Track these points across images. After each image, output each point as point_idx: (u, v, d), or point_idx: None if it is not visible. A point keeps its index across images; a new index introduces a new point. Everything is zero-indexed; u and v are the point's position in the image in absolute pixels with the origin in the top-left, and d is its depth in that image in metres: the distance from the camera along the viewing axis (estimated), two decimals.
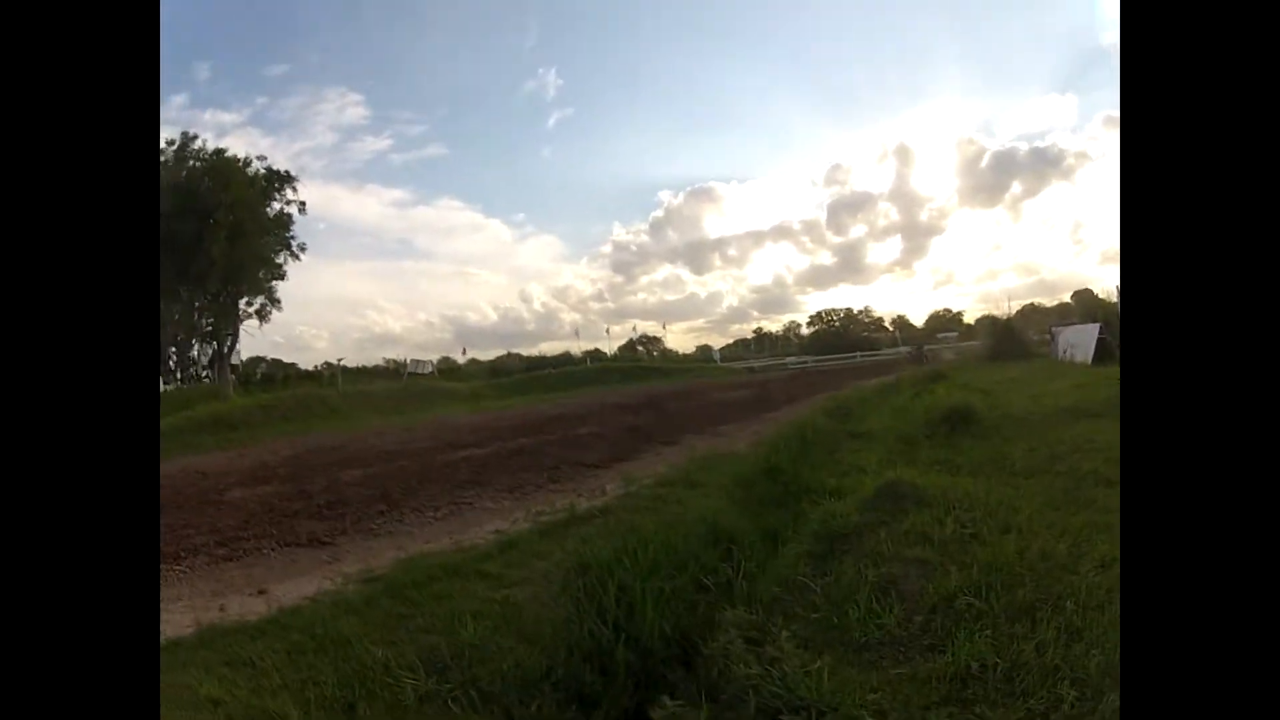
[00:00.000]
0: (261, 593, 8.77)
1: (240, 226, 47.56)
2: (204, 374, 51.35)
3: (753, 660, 5.23)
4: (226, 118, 65.69)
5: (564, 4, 71.06)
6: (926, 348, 64.78)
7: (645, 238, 75.56)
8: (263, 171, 50.53)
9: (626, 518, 10.04)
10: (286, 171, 51.44)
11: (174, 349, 51.97)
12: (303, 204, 51.38)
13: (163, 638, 7.06)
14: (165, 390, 43.52)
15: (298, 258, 51.15)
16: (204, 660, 6.34)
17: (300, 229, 51.93)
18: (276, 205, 51.00)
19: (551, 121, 74.82)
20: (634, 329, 65.29)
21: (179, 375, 50.84)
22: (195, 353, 52.64)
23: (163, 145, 48.66)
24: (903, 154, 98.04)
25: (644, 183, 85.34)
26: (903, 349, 64.86)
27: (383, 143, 63.25)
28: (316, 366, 53.46)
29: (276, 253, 50.95)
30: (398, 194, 66.71)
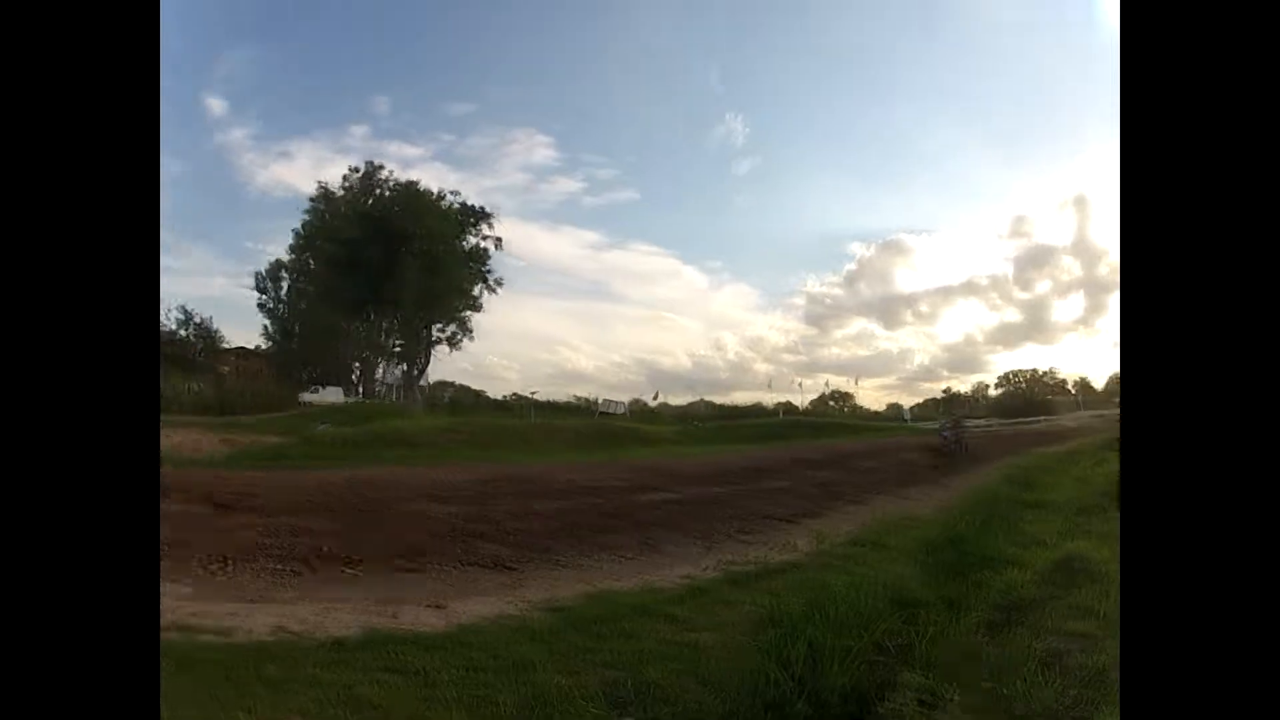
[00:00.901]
0: (439, 607, 9.11)
1: (435, 257, 49.30)
2: (384, 391, 53.16)
3: None
4: (411, 151, 68.65)
5: (747, 50, 71.29)
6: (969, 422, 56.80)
7: (838, 290, 74.56)
8: (456, 206, 52.22)
9: (816, 575, 10.35)
10: (482, 207, 52.79)
11: (358, 365, 54.14)
12: (499, 240, 52.50)
13: (325, 634, 7.82)
14: (346, 403, 45.78)
15: (494, 291, 52.19)
16: (364, 662, 6.81)
17: (497, 263, 53.02)
18: (472, 239, 52.35)
19: (743, 169, 74.92)
20: (825, 383, 64.57)
21: (360, 390, 52.71)
22: (380, 372, 54.65)
23: (346, 171, 51.66)
24: (1080, 204, 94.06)
25: (834, 233, 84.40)
26: (1083, 413, 60.65)
27: (575, 185, 64.56)
28: (505, 396, 54.59)
29: (472, 284, 51.98)
30: (592, 236, 67.85)
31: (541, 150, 66.34)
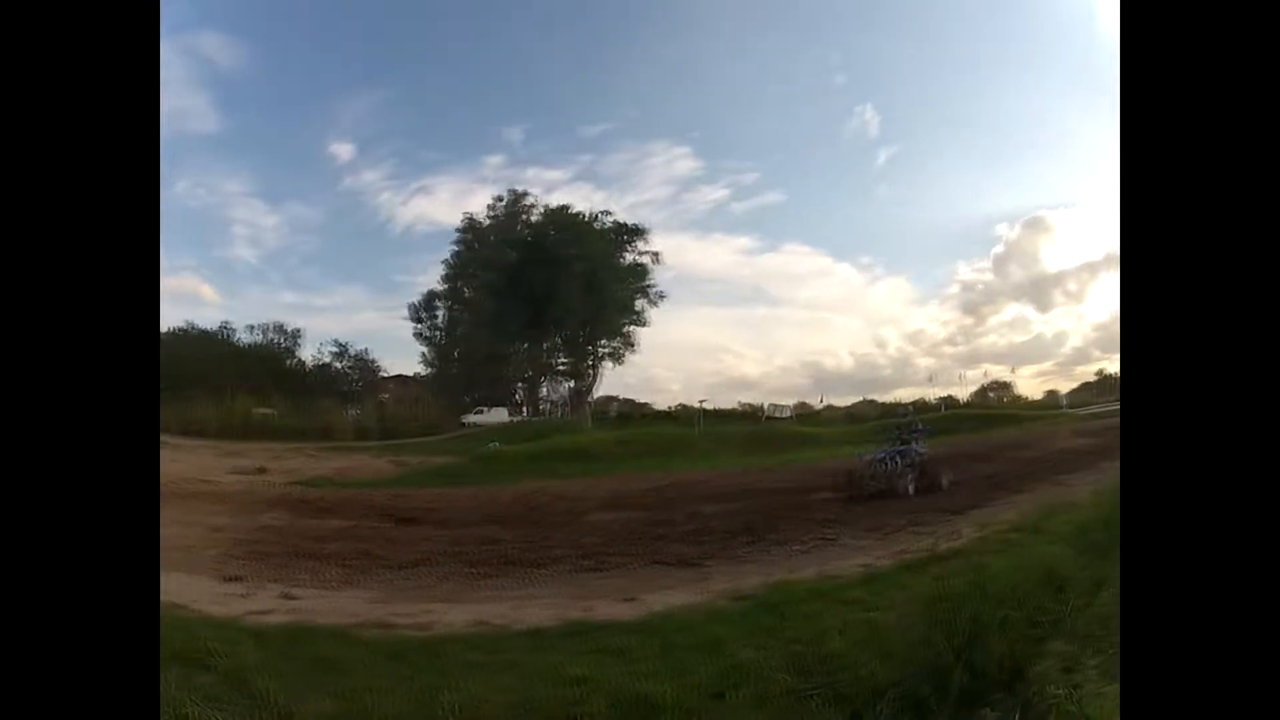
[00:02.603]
0: (630, 600, 9.89)
1: (595, 276, 50.65)
2: (548, 408, 54.26)
3: (1062, 684, 5.98)
4: (551, 175, 69.82)
5: (866, 38, 69.81)
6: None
7: (989, 275, 72.14)
8: (610, 225, 53.60)
9: (979, 559, 10.86)
10: (635, 225, 54.07)
11: (522, 384, 55.45)
12: (656, 254, 53.62)
13: (524, 625, 8.63)
14: (512, 422, 47.69)
15: (656, 305, 53.23)
16: (569, 647, 7.56)
17: (653, 276, 53.87)
18: (629, 256, 53.55)
19: (881, 159, 73.40)
20: (985, 374, 62.93)
21: (524, 408, 53.92)
22: (545, 390, 55.85)
23: (490, 201, 53.30)
24: None
25: (977, 215, 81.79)
26: None
27: (720, 192, 64.46)
28: (671, 407, 55.09)
29: (634, 300, 52.97)
30: (744, 241, 67.69)
31: (681, 161, 66.67)
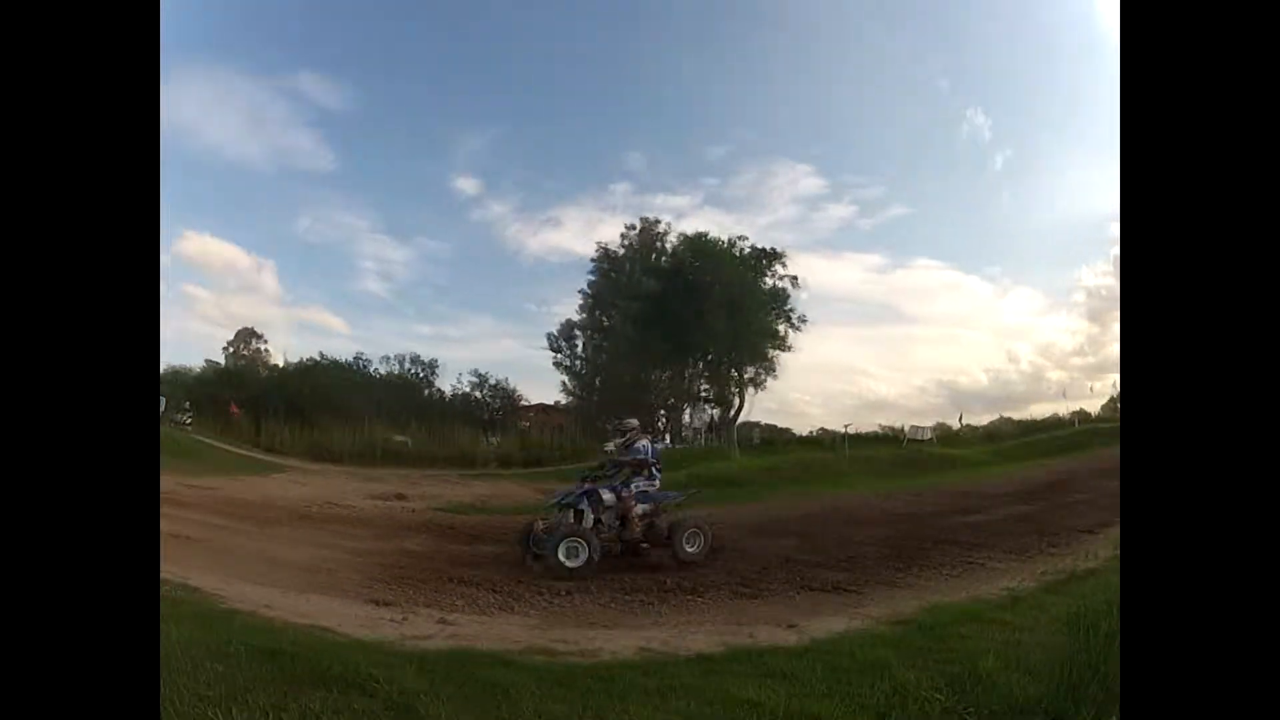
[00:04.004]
0: (791, 626, 10.10)
1: (736, 302, 51.32)
2: (691, 435, 54.46)
3: None
4: (677, 201, 70.27)
5: (965, 41, 68.36)
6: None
7: (1110, 280, 70.19)
8: (747, 250, 54.24)
9: (1113, 578, 10.41)
10: (773, 248, 54.60)
11: (663, 411, 55.85)
12: (795, 278, 54.12)
13: (689, 651, 8.79)
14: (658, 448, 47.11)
15: (797, 329, 53.80)
16: (737, 672, 7.75)
17: (793, 300, 54.53)
18: (769, 280, 54.09)
19: (998, 164, 72.06)
20: (1114, 385, 61.42)
21: (668, 437, 54.27)
22: (687, 417, 56.18)
23: (623, 230, 54.00)
24: None
25: (1092, 216, 79.79)
26: None
27: (846, 210, 64.31)
28: (812, 431, 55.00)
29: (776, 324, 53.67)
30: (873, 259, 67.28)
31: (805, 180, 66.70)
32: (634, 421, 18.31)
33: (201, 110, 56.33)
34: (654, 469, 16.14)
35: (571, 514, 15.06)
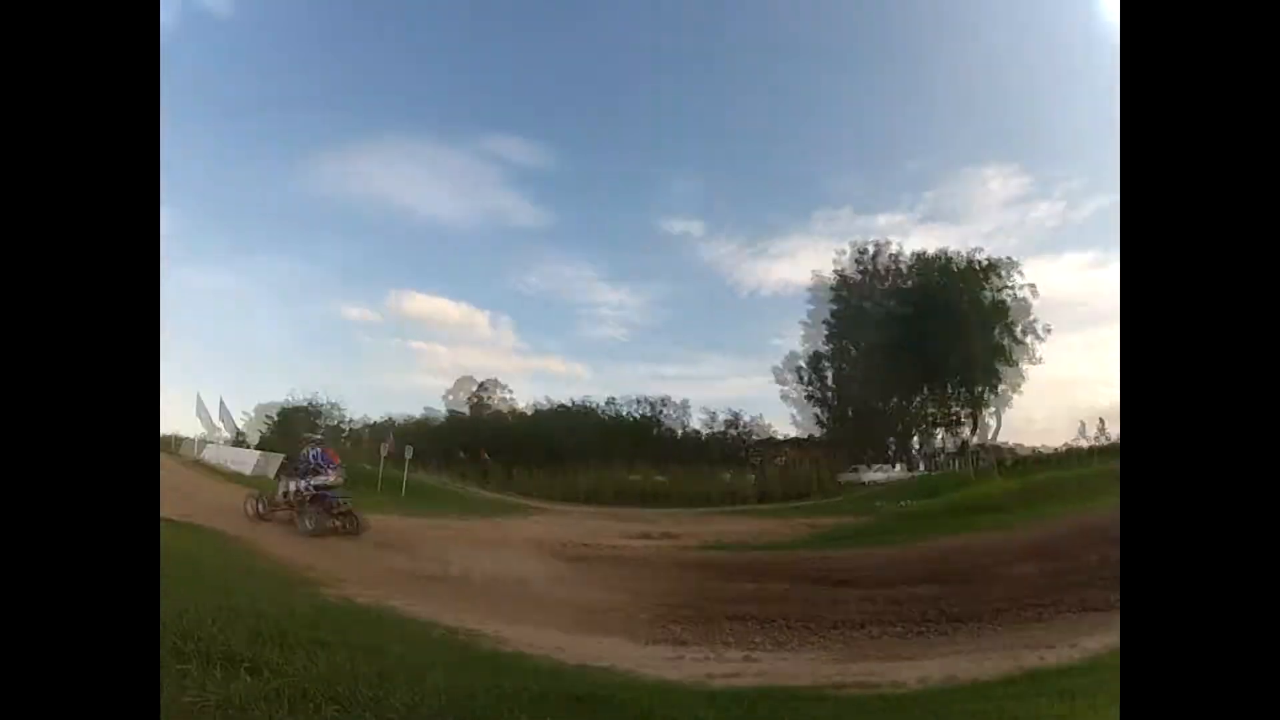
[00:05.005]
0: (1073, 645, 10.54)
1: (982, 319, 50.77)
2: (941, 459, 53.77)
3: None
4: (894, 219, 68.51)
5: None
6: None
7: None
8: (984, 263, 52.85)
9: None
10: (1009, 258, 52.88)
11: (915, 437, 55.37)
12: (1033, 286, 52.15)
13: (991, 675, 9.32)
14: (911, 476, 48.27)
15: (1042, 340, 51.90)
16: (1035, 690, 8.28)
17: (1035, 310, 52.60)
18: (1007, 293, 52.57)
19: None
20: None
21: (920, 462, 53.76)
22: (940, 441, 55.47)
23: (853, 254, 54.25)
24: None
25: None
26: None
27: (1056, 205, 61.47)
28: (1058, 448, 53.41)
29: (1024, 338, 52.29)
30: (1090, 256, 64.04)
31: (1014, 180, 64.29)
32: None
33: (414, 183, 59.48)
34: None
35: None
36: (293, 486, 22.34)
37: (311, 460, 22.66)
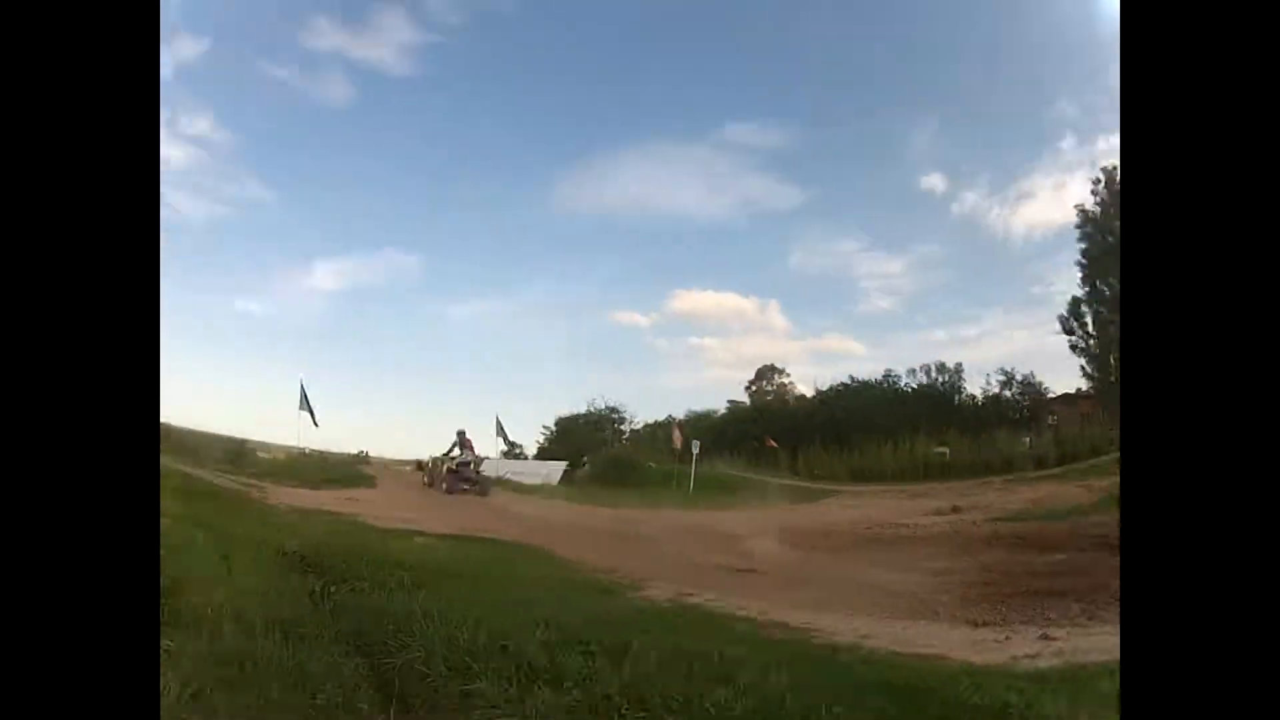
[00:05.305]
0: None
1: None
2: None
3: None
4: (1113, 140, 64.49)
5: None
6: None
7: None
8: None
9: None
10: None
11: None
12: None
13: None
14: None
15: None
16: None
17: None
18: None
19: None
20: None
21: None
22: None
23: (1090, 186, 50.21)
24: None
25: None
26: None
27: None
28: None
29: None
30: None
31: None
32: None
33: (664, 185, 59.66)
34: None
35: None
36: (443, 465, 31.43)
37: (455, 447, 31.69)
